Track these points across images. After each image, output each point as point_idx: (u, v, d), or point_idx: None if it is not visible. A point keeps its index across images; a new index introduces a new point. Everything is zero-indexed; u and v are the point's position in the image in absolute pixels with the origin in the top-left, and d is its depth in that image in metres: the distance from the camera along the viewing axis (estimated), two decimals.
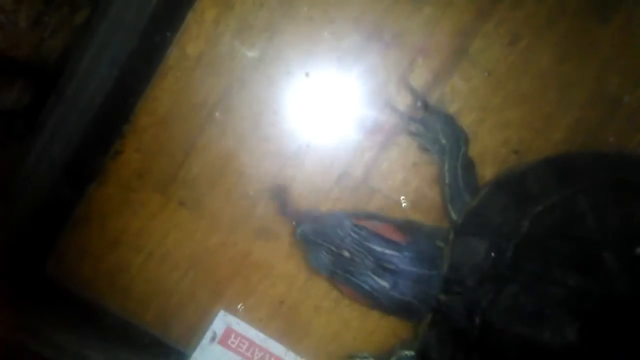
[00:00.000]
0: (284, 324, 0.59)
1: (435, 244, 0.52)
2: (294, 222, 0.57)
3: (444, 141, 0.55)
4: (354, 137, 0.58)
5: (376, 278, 0.51)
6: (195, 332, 0.60)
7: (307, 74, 0.58)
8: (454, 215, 0.53)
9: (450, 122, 0.56)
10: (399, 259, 0.51)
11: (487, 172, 0.57)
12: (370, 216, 0.55)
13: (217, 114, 0.59)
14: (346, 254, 0.52)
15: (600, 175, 0.49)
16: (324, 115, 0.59)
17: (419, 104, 0.56)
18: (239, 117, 0.59)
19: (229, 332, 0.59)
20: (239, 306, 0.60)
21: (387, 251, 0.51)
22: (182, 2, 0.56)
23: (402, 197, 0.58)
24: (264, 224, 0.60)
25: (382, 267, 0.51)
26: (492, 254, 0.48)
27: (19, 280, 0.60)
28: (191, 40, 0.58)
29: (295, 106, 0.59)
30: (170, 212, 0.60)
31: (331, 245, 0.52)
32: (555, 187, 0.49)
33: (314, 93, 0.59)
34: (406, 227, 0.54)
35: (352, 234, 0.52)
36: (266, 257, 0.60)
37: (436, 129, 0.56)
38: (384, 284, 0.51)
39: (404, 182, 0.58)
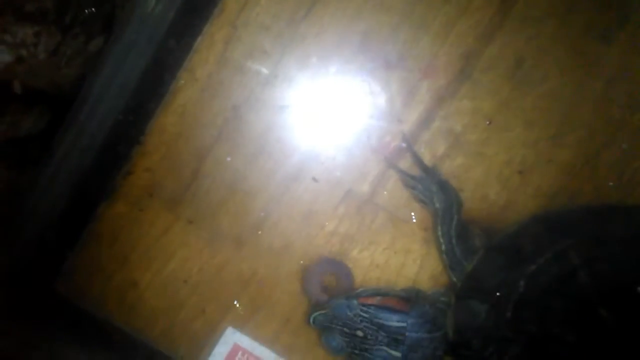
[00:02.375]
0: (291, 341, 0.60)
1: (435, 306, 0.55)
2: (324, 295, 0.58)
3: (437, 205, 0.57)
4: (360, 155, 0.59)
5: (390, 351, 0.53)
6: (202, 348, 0.60)
7: (313, 96, 0.59)
8: (455, 280, 0.55)
9: (444, 187, 0.57)
10: (407, 328, 0.53)
11: (491, 192, 0.57)
12: (372, 293, 0.57)
13: (224, 135, 0.60)
14: (359, 333, 0.54)
15: (588, 229, 0.50)
16: (331, 135, 0.60)
17: (419, 167, 0.58)
18: (247, 137, 0.60)
19: (236, 349, 0.60)
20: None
21: (396, 323, 0.53)
22: (191, 27, 0.58)
23: (412, 213, 0.59)
24: (271, 243, 0.60)
25: (394, 339, 0.53)
26: (493, 315, 0.49)
27: (30, 298, 0.61)
28: (201, 63, 0.59)
29: (302, 126, 0.60)
30: (178, 230, 0.61)
31: (344, 327, 0.54)
32: (547, 245, 0.50)
33: (320, 113, 0.60)
34: (406, 295, 0.56)
35: (362, 313, 0.54)
36: (272, 276, 0.60)
37: (431, 191, 0.57)
38: (397, 354, 0.53)
39: (410, 199, 0.59)
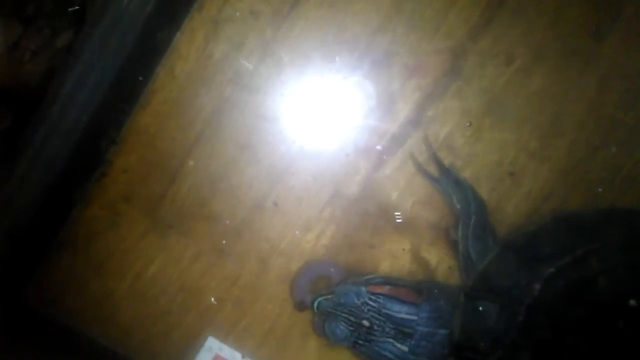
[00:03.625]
0: (274, 350, 0.58)
1: (449, 301, 0.52)
2: (310, 296, 0.56)
3: (458, 206, 0.54)
4: (346, 156, 0.57)
5: (397, 344, 0.51)
6: (182, 359, 0.58)
7: (297, 94, 0.57)
8: (468, 282, 0.53)
9: (461, 187, 0.55)
10: (417, 321, 0.51)
11: (481, 193, 0.56)
12: (382, 281, 0.54)
13: (205, 135, 0.58)
14: (366, 323, 0.52)
15: (611, 235, 0.48)
16: (316, 135, 0.58)
17: (438, 169, 0.56)
18: (228, 138, 0.58)
19: (217, 359, 0.58)
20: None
21: (405, 315, 0.51)
22: (170, 22, 0.55)
23: (396, 214, 0.57)
24: (254, 247, 0.58)
25: (402, 332, 0.51)
26: (504, 318, 0.47)
27: None
28: (180, 60, 0.57)
29: (286, 126, 0.58)
30: (157, 234, 0.59)
31: (350, 316, 0.52)
32: (567, 248, 0.48)
33: (304, 113, 0.58)
34: (419, 287, 0.54)
35: (370, 302, 0.52)
36: (256, 282, 0.58)
37: (449, 192, 0.55)
38: (404, 348, 0.51)
39: (397, 202, 0.57)
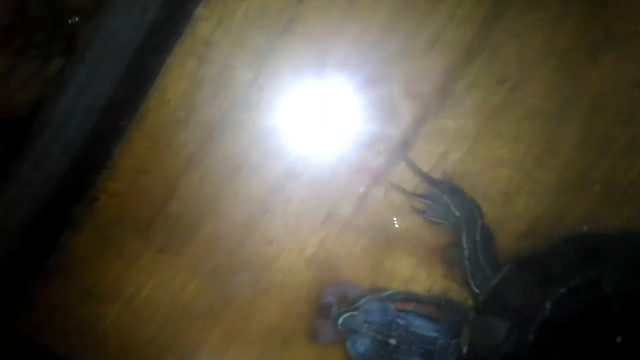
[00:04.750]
0: None
1: (461, 315, 0.52)
2: (333, 311, 0.55)
3: (458, 214, 0.53)
4: (340, 176, 0.57)
5: None
6: None
7: (291, 115, 0.57)
8: (475, 290, 0.52)
9: (460, 193, 0.54)
10: (439, 337, 0.50)
11: None
12: (407, 298, 0.53)
13: (197, 158, 0.57)
14: (393, 342, 0.50)
15: (625, 258, 0.48)
16: (310, 155, 0.57)
17: (427, 183, 0.55)
18: (221, 160, 0.57)
19: None
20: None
21: (431, 333, 0.50)
22: (163, 44, 0.55)
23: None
24: (247, 268, 0.57)
25: (427, 350, 0.50)
26: (514, 336, 0.46)
27: None
28: (173, 82, 0.57)
29: (280, 146, 0.57)
30: (148, 258, 0.58)
31: (377, 334, 0.50)
32: (580, 269, 0.47)
33: (298, 133, 0.57)
34: (439, 302, 0.53)
35: (399, 320, 0.50)
36: (248, 306, 0.57)
37: (446, 202, 0.54)
38: None
39: (391, 223, 0.56)
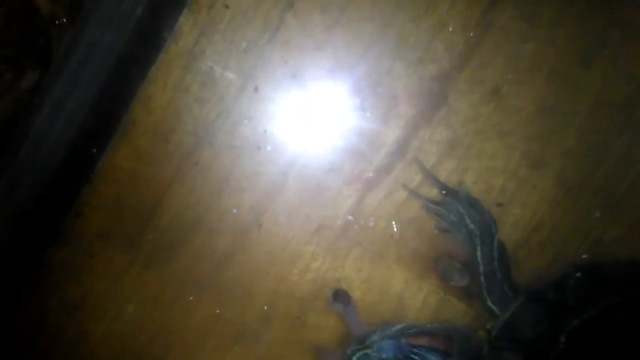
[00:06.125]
0: None
1: (471, 343, 0.51)
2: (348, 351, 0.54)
3: (471, 226, 0.52)
4: (331, 188, 0.56)
5: None
6: None
7: (278, 125, 0.55)
8: (491, 305, 0.51)
9: (476, 205, 0.53)
10: None
11: None
12: (418, 332, 0.53)
13: (183, 169, 0.56)
14: None
15: (637, 285, 0.47)
16: (299, 167, 0.56)
17: (444, 192, 0.54)
18: (207, 173, 0.56)
19: None
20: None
21: None
22: (145, 55, 0.53)
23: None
24: (237, 281, 0.56)
25: None
26: None
27: None
28: (156, 93, 0.55)
29: (268, 156, 0.56)
30: (134, 274, 0.57)
31: None
32: (592, 299, 0.46)
33: (286, 143, 0.56)
34: (449, 333, 0.53)
35: (412, 355, 0.50)
36: (239, 316, 0.56)
37: (460, 212, 0.53)
38: None
39: (384, 233, 0.55)
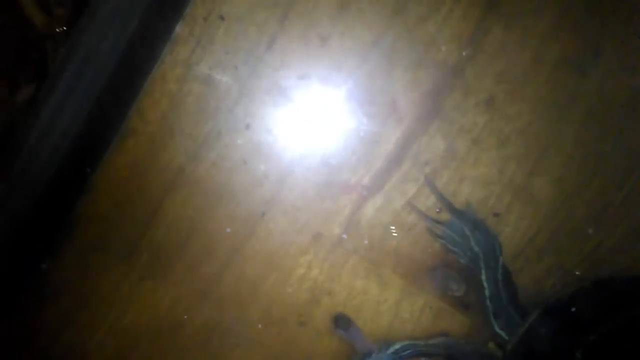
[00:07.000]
0: None
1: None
2: None
3: (476, 249, 0.52)
4: (327, 196, 0.55)
5: None
6: None
7: (275, 135, 0.55)
8: (498, 330, 0.51)
9: (481, 227, 0.52)
10: None
11: None
12: (416, 353, 0.52)
13: (180, 180, 0.56)
14: None
15: None
16: (296, 175, 0.56)
17: (438, 209, 0.54)
18: (204, 182, 0.56)
19: None
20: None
21: None
22: (140, 65, 0.54)
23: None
24: (235, 292, 0.56)
25: None
26: None
27: None
28: (152, 104, 0.55)
29: (264, 167, 0.56)
30: (132, 282, 0.56)
31: None
32: (607, 313, 0.46)
33: (283, 152, 0.56)
34: (448, 351, 0.52)
35: None
36: (238, 325, 0.56)
37: (466, 235, 0.52)
38: None
39: (382, 242, 0.55)
